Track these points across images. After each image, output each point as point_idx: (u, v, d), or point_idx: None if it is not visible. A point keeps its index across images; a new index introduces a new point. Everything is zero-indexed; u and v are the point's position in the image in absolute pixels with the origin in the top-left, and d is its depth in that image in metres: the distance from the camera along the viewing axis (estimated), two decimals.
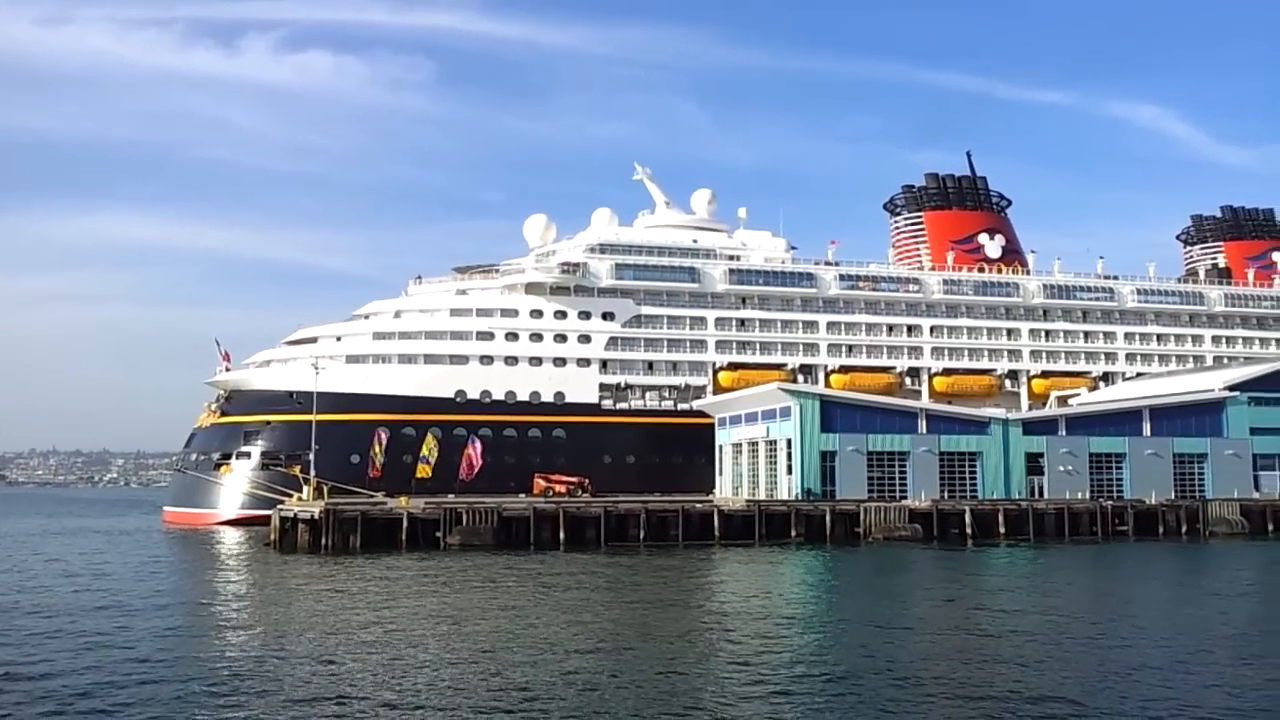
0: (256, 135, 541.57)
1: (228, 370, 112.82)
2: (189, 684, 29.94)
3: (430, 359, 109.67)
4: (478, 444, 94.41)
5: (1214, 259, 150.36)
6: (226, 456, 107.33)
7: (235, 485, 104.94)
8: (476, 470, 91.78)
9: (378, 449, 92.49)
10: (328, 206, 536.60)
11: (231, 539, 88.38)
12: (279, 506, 79.82)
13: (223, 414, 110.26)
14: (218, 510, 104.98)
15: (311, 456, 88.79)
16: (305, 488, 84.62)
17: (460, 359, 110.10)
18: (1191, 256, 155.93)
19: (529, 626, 40.15)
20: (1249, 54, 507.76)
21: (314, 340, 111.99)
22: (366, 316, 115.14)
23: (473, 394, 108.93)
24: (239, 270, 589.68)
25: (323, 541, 72.33)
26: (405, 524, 74.12)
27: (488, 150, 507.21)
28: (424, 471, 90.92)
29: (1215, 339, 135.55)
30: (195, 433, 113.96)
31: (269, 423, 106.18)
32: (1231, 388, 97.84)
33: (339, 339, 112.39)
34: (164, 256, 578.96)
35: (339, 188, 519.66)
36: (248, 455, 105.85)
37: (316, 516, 73.52)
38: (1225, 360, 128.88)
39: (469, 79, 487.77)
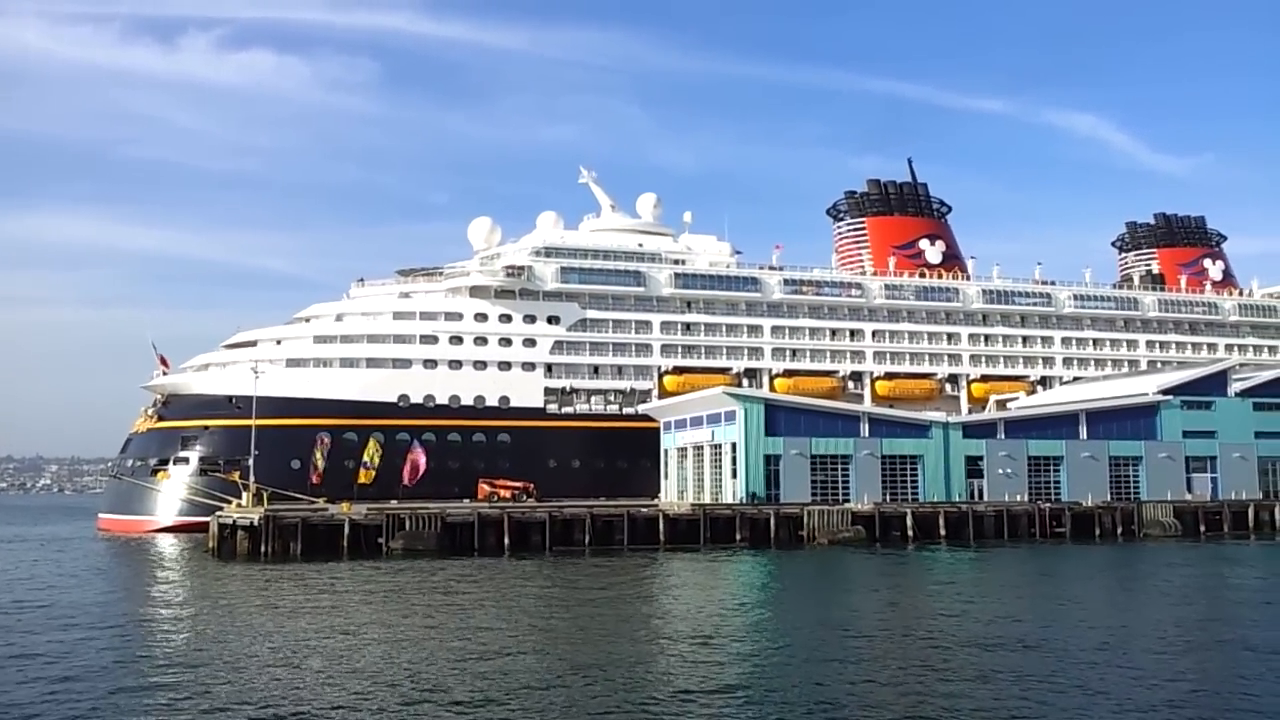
0: (197, 134, 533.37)
1: (165, 374, 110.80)
2: (116, 696, 29.31)
3: (373, 363, 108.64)
4: (421, 449, 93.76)
5: (1148, 265, 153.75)
6: (164, 462, 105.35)
7: (172, 492, 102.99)
8: (420, 475, 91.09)
9: (319, 454, 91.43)
10: (270, 208, 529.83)
11: (168, 547, 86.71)
12: (217, 513, 78.59)
13: (160, 419, 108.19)
14: (154, 517, 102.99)
15: (251, 462, 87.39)
16: (244, 494, 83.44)
17: (403, 363, 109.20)
18: (1126, 263, 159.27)
19: (471, 632, 39.88)
20: (1184, 65, 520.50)
21: (254, 344, 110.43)
22: (307, 320, 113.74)
23: (416, 398, 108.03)
24: (177, 272, 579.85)
25: (262, 549, 71.29)
26: (347, 530, 73.28)
27: (433, 152, 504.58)
28: (366, 477, 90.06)
29: (1149, 344, 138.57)
30: (131, 438, 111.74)
31: (207, 428, 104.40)
32: (1165, 391, 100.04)
33: (279, 342, 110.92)
34: (100, 257, 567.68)
35: (281, 188, 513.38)
36: (185, 461, 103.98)
37: (256, 523, 72.43)
38: (1159, 364, 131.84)
39: (413, 80, 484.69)
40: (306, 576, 59.83)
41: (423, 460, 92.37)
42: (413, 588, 54.56)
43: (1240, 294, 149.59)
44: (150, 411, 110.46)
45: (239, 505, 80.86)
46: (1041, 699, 28.69)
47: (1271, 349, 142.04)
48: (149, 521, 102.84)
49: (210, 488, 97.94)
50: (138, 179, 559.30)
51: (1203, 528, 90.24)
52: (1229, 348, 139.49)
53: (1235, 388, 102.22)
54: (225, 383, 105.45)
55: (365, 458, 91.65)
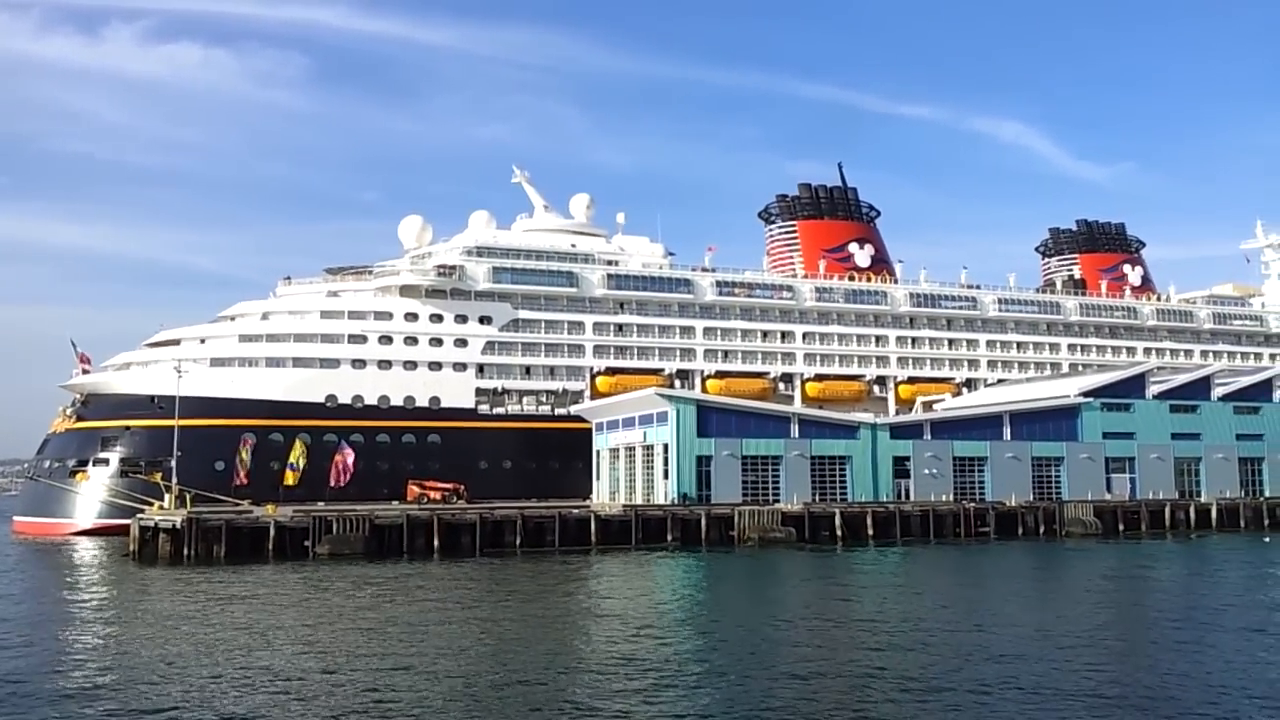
0: (120, 128, 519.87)
1: (85, 373, 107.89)
2: (23, 703, 28.47)
3: (299, 362, 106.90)
4: (349, 450, 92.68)
5: (1070, 270, 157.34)
6: (83, 463, 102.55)
7: (92, 493, 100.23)
8: (348, 477, 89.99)
9: (244, 455, 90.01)
10: (195, 203, 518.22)
11: (87, 550, 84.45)
12: (138, 516, 76.88)
13: (79, 419, 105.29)
14: (73, 520, 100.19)
15: (173, 463, 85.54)
16: (166, 496, 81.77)
17: (331, 363, 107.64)
18: (1049, 268, 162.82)
19: (398, 636, 39.46)
20: (1106, 76, 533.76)
21: (177, 342, 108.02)
22: (233, 318, 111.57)
23: (344, 398, 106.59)
24: (98, 268, 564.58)
25: (185, 552, 69.83)
26: (272, 533, 72.07)
27: (364, 149, 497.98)
28: (292, 479, 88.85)
29: (1071, 347, 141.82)
30: (49, 438, 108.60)
31: (128, 428, 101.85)
32: (1086, 394, 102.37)
33: (203, 341, 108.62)
34: (17, 252, 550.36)
35: (208, 184, 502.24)
36: (105, 462, 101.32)
37: (178, 526, 70.91)
38: (1080, 367, 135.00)
39: (345, 76, 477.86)
40: (230, 581, 58.73)
41: (350, 461, 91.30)
42: (338, 592, 53.85)
43: (1158, 299, 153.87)
44: (69, 411, 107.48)
45: (161, 507, 79.16)
46: (960, 693, 29.19)
47: (1187, 353, 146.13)
48: (67, 524, 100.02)
49: (131, 489, 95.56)
50: (58, 173, 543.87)
51: (1121, 526, 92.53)
52: (1147, 351, 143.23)
53: (1153, 390, 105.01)
54: (147, 382, 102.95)
55: (291, 459, 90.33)
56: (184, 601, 50.55)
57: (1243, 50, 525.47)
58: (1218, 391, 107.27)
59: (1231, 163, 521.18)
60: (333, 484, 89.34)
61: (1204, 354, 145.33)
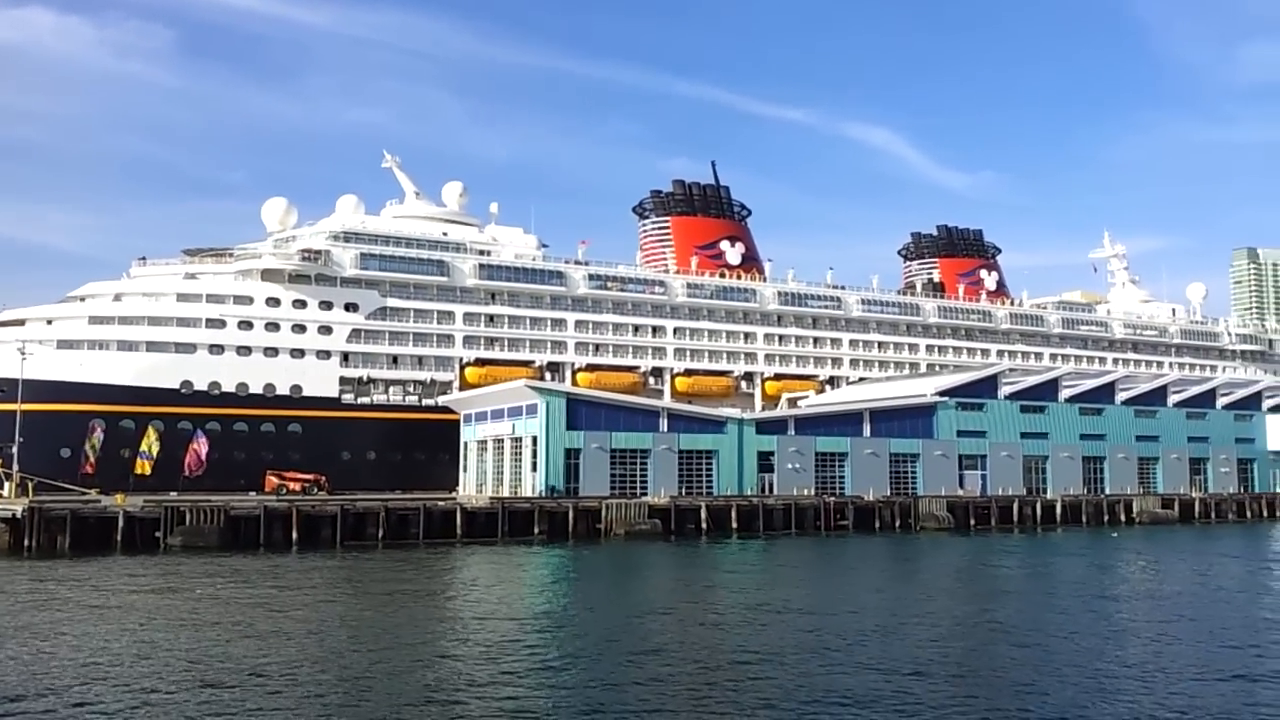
0: None
1: None
2: None
3: (153, 346, 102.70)
4: (204, 438, 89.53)
5: (930, 274, 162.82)
6: None
7: None
8: (202, 466, 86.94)
9: (92, 442, 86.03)
10: (46, 177, 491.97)
11: None
12: None
13: None
14: None
15: (15, 449, 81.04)
16: (7, 484, 77.45)
17: (187, 347, 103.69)
18: (910, 271, 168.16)
19: (249, 631, 38.28)
20: (969, 88, 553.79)
21: (21, 323, 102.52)
22: (83, 299, 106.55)
23: (200, 385, 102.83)
24: None
25: (26, 543, 66.28)
26: (121, 523, 68.98)
27: (230, 128, 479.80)
28: (144, 467, 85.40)
29: (929, 347, 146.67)
30: None
31: None
32: (942, 393, 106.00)
33: (50, 322, 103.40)
34: None
35: (60, 158, 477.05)
36: None
37: (19, 515, 67.24)
38: (937, 367, 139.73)
39: (211, 52, 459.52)
40: (73, 573, 56.03)
41: (205, 450, 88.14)
42: (189, 585, 51.92)
43: (1011, 304, 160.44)
44: None
45: (1, 496, 74.99)
46: (815, 680, 29.89)
47: (1037, 355, 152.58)
48: None
49: None
50: None
51: (973, 521, 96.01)
52: (1000, 353, 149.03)
53: (1004, 391, 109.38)
54: None
55: (143, 447, 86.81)
56: (19, 596, 47.94)
57: (1095, 68, 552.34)
58: (1064, 393, 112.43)
59: (1083, 176, 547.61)
60: (186, 474, 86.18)
61: (1053, 357, 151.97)
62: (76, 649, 34.77)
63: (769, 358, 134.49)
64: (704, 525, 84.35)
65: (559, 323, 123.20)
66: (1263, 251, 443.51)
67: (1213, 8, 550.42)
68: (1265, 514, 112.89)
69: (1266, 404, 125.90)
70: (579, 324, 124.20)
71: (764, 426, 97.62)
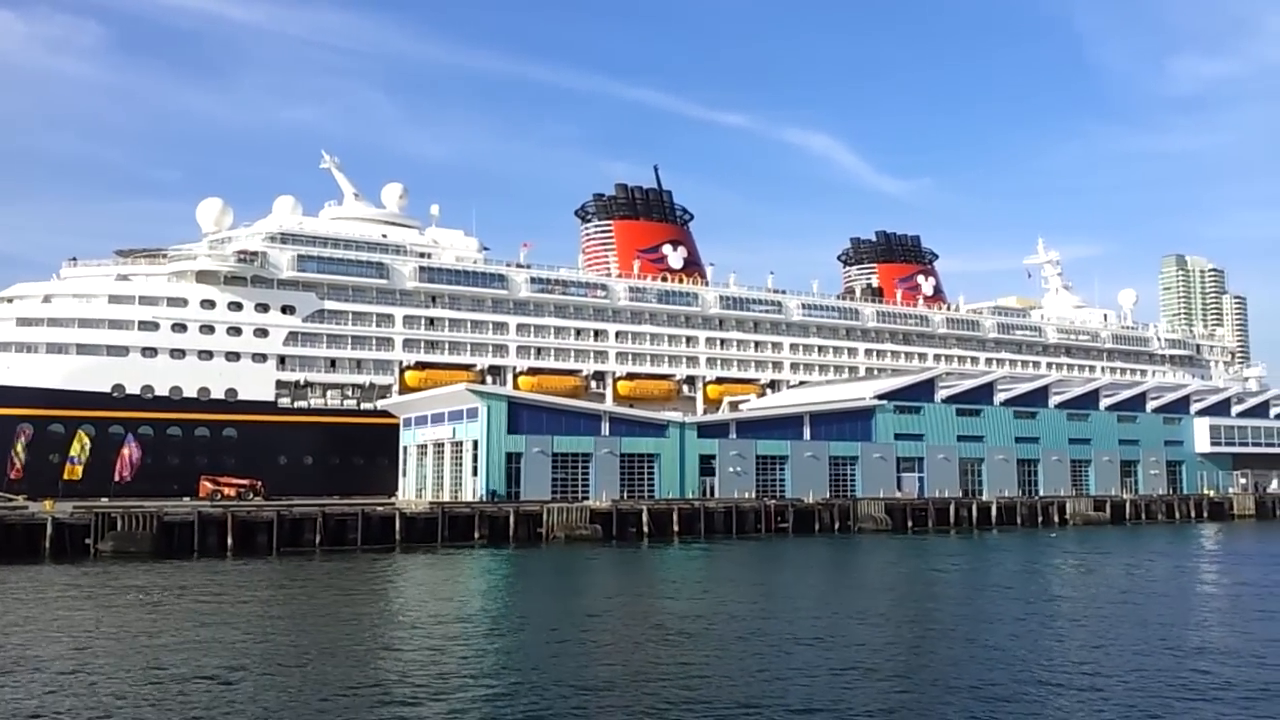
0: None
1: None
2: None
3: (84, 349, 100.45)
4: (136, 443, 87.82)
5: (869, 279, 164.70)
6: None
7: None
8: (134, 471, 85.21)
9: (19, 447, 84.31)
10: None
11: None
12: None
13: None
14: None
15: None
16: None
17: (119, 350, 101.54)
18: (850, 276, 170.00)
19: (174, 643, 37.48)
20: (907, 97, 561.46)
21: None
22: (10, 300, 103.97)
23: (132, 389, 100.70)
24: None
25: None
26: (50, 530, 67.10)
27: (164, 126, 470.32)
28: (73, 472, 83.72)
29: (868, 351, 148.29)
30: None
31: None
32: (880, 397, 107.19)
33: None
34: None
35: None
36: None
37: None
38: (876, 371, 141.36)
39: (144, 48, 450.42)
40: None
41: (137, 455, 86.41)
42: (119, 593, 50.74)
43: (948, 309, 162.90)
44: None
45: None
46: (754, 681, 30.00)
47: (974, 359, 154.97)
48: None
49: None
50: None
51: (910, 523, 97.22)
52: (937, 357, 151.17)
53: (941, 394, 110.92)
54: None
55: (73, 452, 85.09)
56: None
57: (1033, 78, 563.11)
58: (999, 397, 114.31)
59: (1019, 183, 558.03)
60: (118, 479, 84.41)
61: (988, 361, 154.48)
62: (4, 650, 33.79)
63: (711, 361, 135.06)
64: (646, 529, 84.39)
65: (500, 326, 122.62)
66: (1191, 259, 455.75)
67: (1145, 22, 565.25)
68: (1193, 515, 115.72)
69: (1194, 408, 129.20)
70: (520, 327, 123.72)
71: (705, 430, 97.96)
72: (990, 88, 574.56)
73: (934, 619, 44.14)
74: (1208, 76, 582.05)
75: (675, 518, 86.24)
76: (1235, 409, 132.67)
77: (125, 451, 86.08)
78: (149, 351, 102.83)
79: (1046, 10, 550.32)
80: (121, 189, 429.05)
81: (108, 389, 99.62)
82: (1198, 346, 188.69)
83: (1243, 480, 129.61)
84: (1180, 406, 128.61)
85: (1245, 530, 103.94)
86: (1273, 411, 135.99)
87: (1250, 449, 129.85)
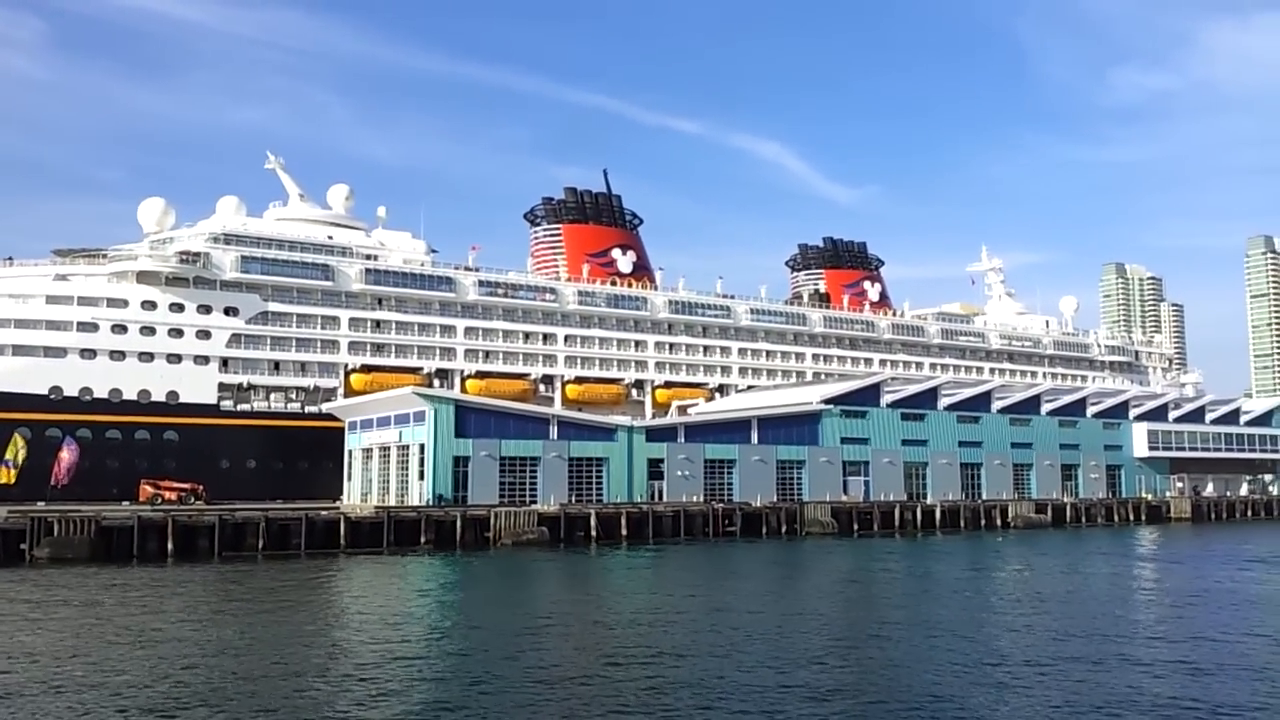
0: None
1: None
2: None
3: (20, 350, 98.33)
4: (74, 446, 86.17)
5: (816, 285, 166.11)
6: None
7: None
8: (72, 475, 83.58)
9: None
10: None
11: None
12: None
13: None
14: None
15: None
16: None
17: (57, 351, 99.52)
18: (797, 281, 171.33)
19: (114, 650, 36.78)
20: (856, 105, 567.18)
21: None
22: None
23: (70, 390, 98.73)
24: None
25: None
26: None
27: (106, 124, 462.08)
28: (8, 476, 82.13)
29: (815, 356, 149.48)
30: None
31: None
32: (827, 401, 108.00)
33: None
34: None
35: None
36: None
37: None
38: (823, 376, 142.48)
39: (87, 45, 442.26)
40: None
41: (75, 458, 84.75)
42: (55, 600, 49.69)
43: (894, 314, 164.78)
44: None
45: None
46: (703, 685, 30.10)
47: (918, 365, 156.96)
48: None
49: None
50: None
51: (856, 526, 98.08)
52: (883, 362, 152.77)
53: (887, 399, 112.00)
54: None
55: (8, 455, 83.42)
56: None
57: (977, 87, 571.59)
58: (943, 402, 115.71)
59: (964, 191, 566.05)
60: (55, 483, 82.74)
61: (933, 366, 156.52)
62: None
63: (659, 365, 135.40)
64: (594, 533, 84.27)
65: (448, 329, 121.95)
66: (1130, 267, 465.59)
67: (1086, 33, 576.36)
68: (1131, 518, 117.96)
69: (1133, 413, 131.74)
70: (469, 330, 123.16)
71: (654, 434, 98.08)
72: (938, 97, 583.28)
73: (877, 620, 44.53)
74: (1148, 88, 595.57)
75: (624, 522, 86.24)
76: (1172, 414, 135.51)
77: (63, 454, 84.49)
78: (88, 353, 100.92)
79: (992, 21, 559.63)
80: (60, 188, 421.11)
81: (45, 391, 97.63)
82: (1136, 353, 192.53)
83: (1179, 484, 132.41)
84: (1119, 412, 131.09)
85: (1181, 533, 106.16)
86: (1208, 417, 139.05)
87: (1187, 453, 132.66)
